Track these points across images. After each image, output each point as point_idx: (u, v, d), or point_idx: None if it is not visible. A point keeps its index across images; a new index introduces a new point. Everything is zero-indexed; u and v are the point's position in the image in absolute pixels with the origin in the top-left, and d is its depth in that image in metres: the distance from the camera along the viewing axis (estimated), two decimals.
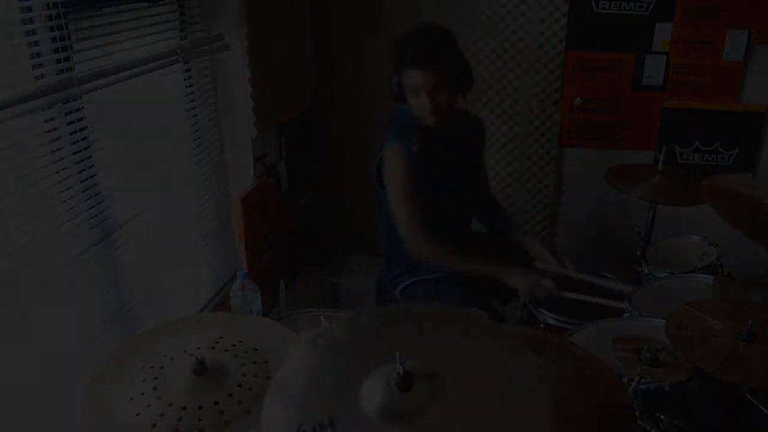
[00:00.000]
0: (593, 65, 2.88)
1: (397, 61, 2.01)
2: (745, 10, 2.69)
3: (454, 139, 2.15)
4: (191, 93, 2.24)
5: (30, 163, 1.54)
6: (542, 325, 2.02)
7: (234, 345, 1.18)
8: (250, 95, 2.40)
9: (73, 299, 1.72)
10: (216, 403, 1.06)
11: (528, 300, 2.07)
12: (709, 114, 2.88)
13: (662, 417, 1.53)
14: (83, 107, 1.69)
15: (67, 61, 1.61)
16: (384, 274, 2.36)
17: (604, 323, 1.81)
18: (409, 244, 2.09)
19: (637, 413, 1.44)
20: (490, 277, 2.08)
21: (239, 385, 1.10)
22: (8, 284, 1.50)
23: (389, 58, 2.04)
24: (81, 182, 1.72)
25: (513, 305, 2.29)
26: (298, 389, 0.99)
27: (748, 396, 1.62)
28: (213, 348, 1.17)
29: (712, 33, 2.75)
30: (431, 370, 0.97)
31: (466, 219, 2.37)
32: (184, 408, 1.06)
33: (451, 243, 2.08)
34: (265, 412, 0.96)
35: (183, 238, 2.24)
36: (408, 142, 2.03)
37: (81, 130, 1.70)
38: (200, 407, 1.06)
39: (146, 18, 1.94)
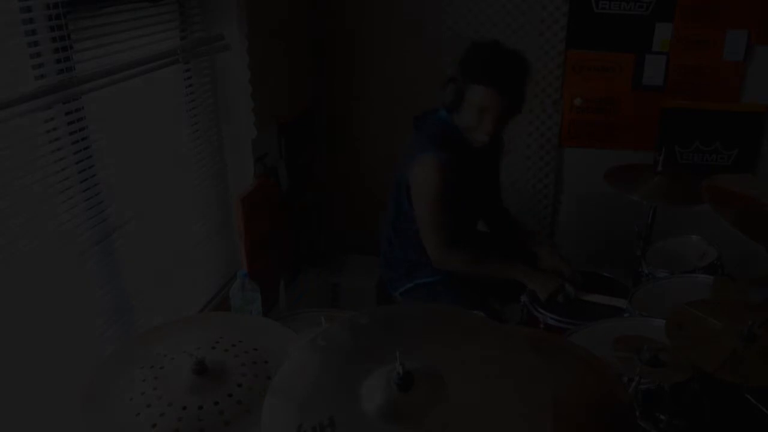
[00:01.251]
0: (593, 65, 2.88)
1: (468, 70, 1.94)
2: (745, 10, 2.69)
3: (482, 153, 2.14)
4: (191, 93, 2.24)
5: (30, 163, 1.54)
6: (542, 325, 2.02)
7: (234, 345, 1.18)
8: (250, 95, 2.40)
9: (73, 299, 1.72)
10: (216, 403, 1.06)
11: (529, 301, 2.08)
12: (709, 114, 2.88)
13: (662, 417, 1.53)
14: (83, 107, 1.69)
15: (67, 61, 1.61)
16: (383, 274, 2.37)
17: (604, 323, 1.81)
18: (433, 252, 2.08)
19: (637, 413, 1.44)
20: (510, 279, 2.10)
21: (239, 385, 1.10)
22: (8, 284, 1.50)
23: (451, 61, 2.00)
24: (81, 182, 1.72)
25: (513, 305, 2.29)
26: (298, 389, 0.99)
27: (748, 396, 1.62)
28: (213, 348, 1.17)
29: (712, 33, 2.75)
30: (431, 370, 0.97)
31: (476, 222, 2.40)
32: (184, 408, 1.06)
33: (466, 245, 2.09)
34: (265, 412, 0.96)
35: (183, 238, 2.24)
36: (444, 154, 1.99)
37: (81, 130, 1.69)
38: (200, 407, 1.06)
39: (146, 18, 1.94)
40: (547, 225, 3.18)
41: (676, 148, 2.95)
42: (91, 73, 1.69)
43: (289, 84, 2.82)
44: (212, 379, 1.10)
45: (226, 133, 2.45)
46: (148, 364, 1.15)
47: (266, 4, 2.46)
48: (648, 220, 2.51)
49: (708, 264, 2.15)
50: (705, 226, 2.27)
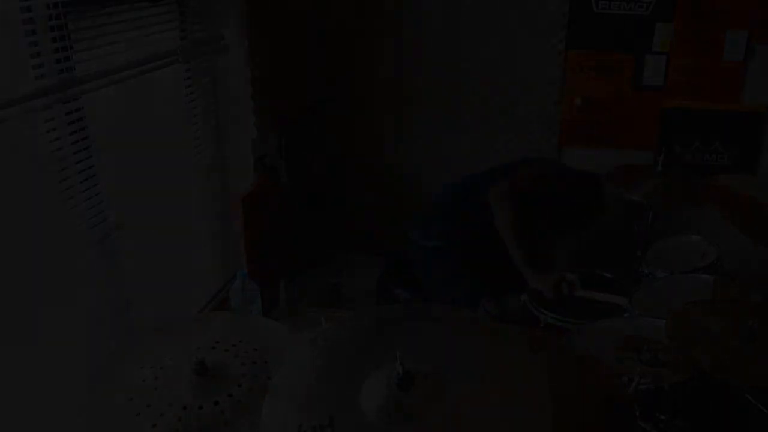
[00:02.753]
0: (593, 65, 2.88)
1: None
2: (745, 10, 2.69)
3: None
4: (191, 93, 2.24)
5: (30, 163, 1.54)
6: (542, 325, 2.02)
7: (234, 345, 1.18)
8: (250, 95, 2.40)
9: (73, 299, 1.72)
10: (216, 403, 1.06)
11: (530, 300, 2.08)
12: (709, 114, 2.88)
13: (662, 417, 1.53)
14: (83, 107, 1.69)
15: (67, 61, 1.61)
16: (423, 224, 2.45)
17: (604, 323, 1.81)
18: (498, 188, 2.25)
19: (637, 413, 1.44)
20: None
21: (239, 385, 1.10)
22: (8, 284, 1.50)
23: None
24: (81, 182, 1.72)
25: (512, 300, 2.31)
26: (298, 389, 0.99)
27: (748, 396, 1.62)
28: (213, 348, 1.17)
29: (712, 33, 2.74)
30: (431, 370, 0.97)
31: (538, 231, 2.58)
32: (184, 408, 1.06)
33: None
34: (265, 412, 0.96)
35: (183, 238, 2.24)
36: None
37: (81, 130, 1.69)
38: (200, 407, 1.06)
39: (146, 18, 1.94)
40: None
41: (676, 148, 2.95)
42: (91, 73, 1.69)
43: (289, 84, 2.82)
44: (212, 379, 1.10)
45: (226, 133, 2.45)
46: (148, 364, 1.15)
47: (266, 4, 2.46)
48: (648, 220, 2.51)
49: (708, 264, 2.14)
50: (705, 226, 2.27)
